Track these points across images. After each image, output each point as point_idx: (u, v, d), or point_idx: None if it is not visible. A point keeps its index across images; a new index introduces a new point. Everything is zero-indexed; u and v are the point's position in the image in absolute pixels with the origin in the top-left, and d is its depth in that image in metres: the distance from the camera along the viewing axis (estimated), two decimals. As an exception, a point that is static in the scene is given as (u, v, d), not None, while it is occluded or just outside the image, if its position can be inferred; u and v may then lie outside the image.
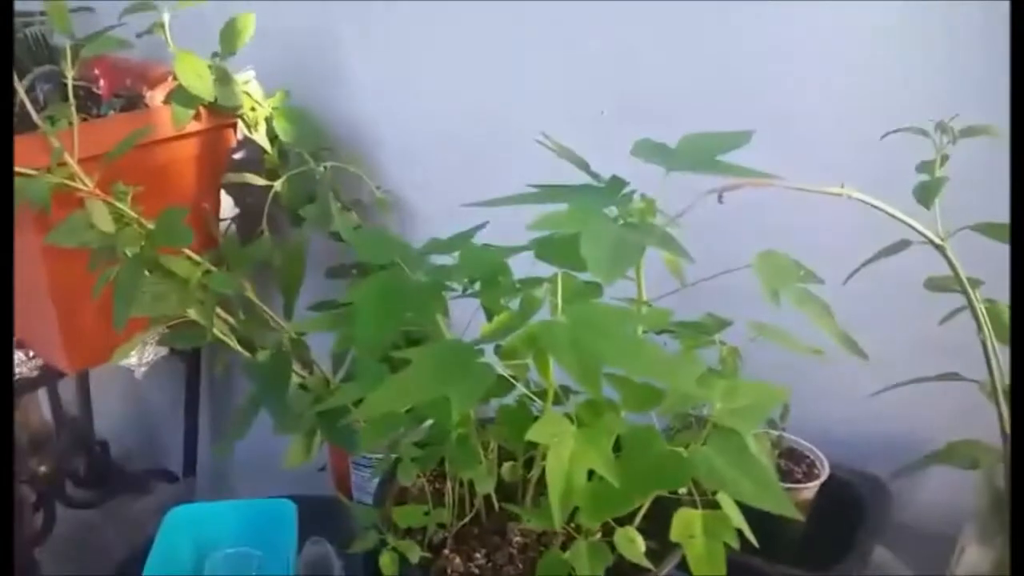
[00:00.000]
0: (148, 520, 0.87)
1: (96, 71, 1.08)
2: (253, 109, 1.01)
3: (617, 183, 0.56)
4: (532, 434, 0.47)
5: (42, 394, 1.35)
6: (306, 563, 0.85)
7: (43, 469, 1.32)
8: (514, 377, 0.55)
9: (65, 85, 0.85)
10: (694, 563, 0.49)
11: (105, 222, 0.82)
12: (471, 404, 0.49)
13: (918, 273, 0.66)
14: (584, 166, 0.59)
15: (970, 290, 0.61)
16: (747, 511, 0.51)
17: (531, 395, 0.56)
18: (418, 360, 0.50)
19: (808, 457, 0.85)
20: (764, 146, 0.55)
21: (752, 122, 0.57)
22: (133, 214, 0.84)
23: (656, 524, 0.53)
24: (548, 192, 0.55)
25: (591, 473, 0.48)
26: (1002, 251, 0.58)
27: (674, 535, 0.50)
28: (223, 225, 1.09)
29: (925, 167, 0.65)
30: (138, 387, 1.41)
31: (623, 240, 0.46)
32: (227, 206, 1.12)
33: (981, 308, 0.62)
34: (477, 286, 0.60)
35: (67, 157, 0.83)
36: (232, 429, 0.81)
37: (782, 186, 0.49)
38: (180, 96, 0.96)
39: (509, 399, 0.59)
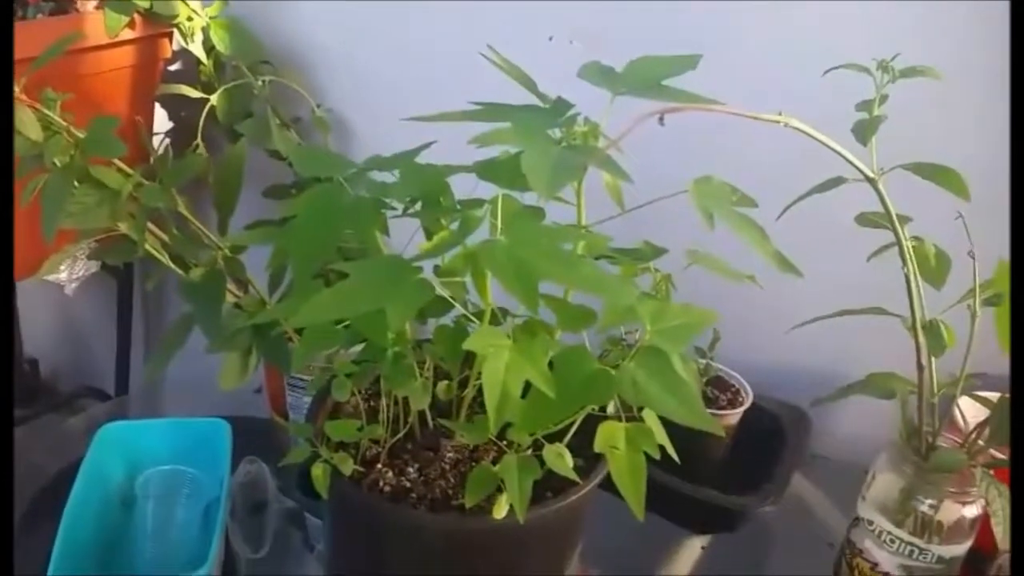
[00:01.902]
0: (79, 439, 0.85)
1: (22, -29, 1.02)
2: (190, 18, 0.97)
3: (562, 105, 0.55)
4: (469, 344, 0.48)
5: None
6: (240, 482, 0.85)
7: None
8: (452, 297, 0.56)
9: (-13, -16, 0.80)
10: (616, 474, 0.50)
11: (33, 129, 0.79)
12: (407, 318, 0.49)
13: (850, 212, 0.68)
14: (531, 85, 0.58)
15: (898, 226, 0.63)
16: (672, 437, 0.53)
17: (469, 315, 0.56)
18: (355, 273, 0.50)
19: (734, 386, 0.88)
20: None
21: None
22: (63, 122, 0.80)
23: (585, 444, 0.54)
24: (492, 110, 0.54)
25: (525, 391, 0.48)
26: (931, 192, 0.60)
27: (598, 446, 0.51)
28: (157, 139, 1.05)
29: (864, 105, 0.66)
30: (69, 304, 1.37)
31: (564, 158, 0.46)
32: (161, 119, 1.08)
33: (908, 244, 0.64)
34: (418, 206, 0.59)
35: (-11, 58, 0.78)
36: (162, 348, 0.80)
37: (722, 111, 0.49)
38: (114, 2, 0.92)
39: (446, 319, 0.59)
